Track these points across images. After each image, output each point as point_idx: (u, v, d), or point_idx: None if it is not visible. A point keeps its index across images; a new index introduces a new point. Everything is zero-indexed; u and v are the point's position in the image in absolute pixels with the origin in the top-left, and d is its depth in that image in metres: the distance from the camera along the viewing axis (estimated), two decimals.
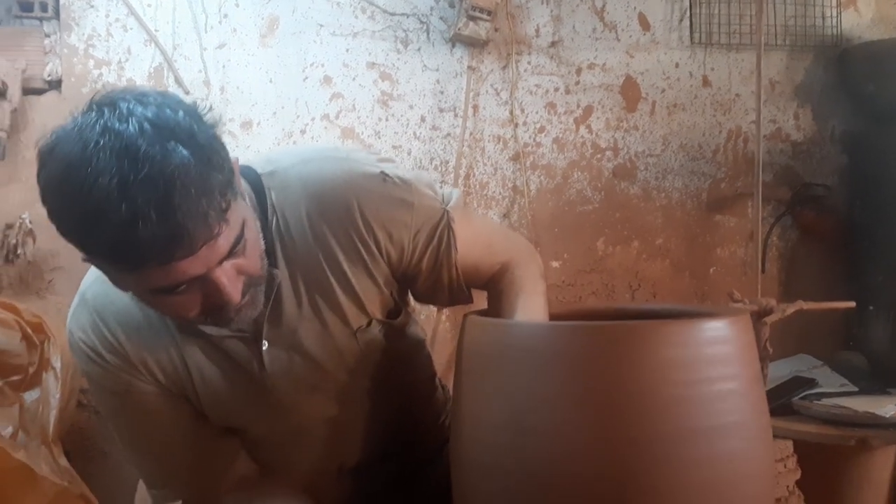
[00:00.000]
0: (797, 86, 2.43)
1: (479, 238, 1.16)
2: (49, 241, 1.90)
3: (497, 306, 1.14)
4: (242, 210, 0.92)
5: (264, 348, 1.06)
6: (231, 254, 0.89)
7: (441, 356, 2.05)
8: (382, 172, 1.06)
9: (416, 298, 1.21)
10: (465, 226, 1.12)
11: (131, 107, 0.83)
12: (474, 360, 1.02)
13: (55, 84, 1.94)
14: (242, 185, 0.99)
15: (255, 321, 1.03)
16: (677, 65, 2.36)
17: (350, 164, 1.07)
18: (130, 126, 0.81)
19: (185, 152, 0.82)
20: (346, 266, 1.05)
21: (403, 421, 1.22)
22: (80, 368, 1.10)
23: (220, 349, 1.06)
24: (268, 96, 2.08)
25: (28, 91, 1.90)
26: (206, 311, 0.93)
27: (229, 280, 0.90)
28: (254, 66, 2.07)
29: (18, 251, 1.85)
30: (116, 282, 0.93)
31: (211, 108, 0.90)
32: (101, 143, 0.80)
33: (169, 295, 0.89)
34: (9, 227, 1.86)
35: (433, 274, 1.12)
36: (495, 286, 1.16)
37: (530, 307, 1.11)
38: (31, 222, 1.85)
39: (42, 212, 1.93)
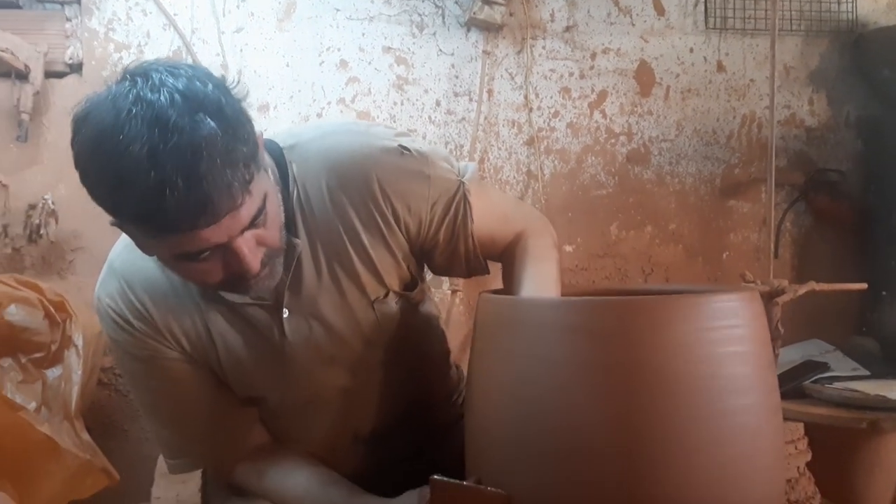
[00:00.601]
0: (812, 71, 2.43)
1: (494, 209, 1.19)
2: (71, 222, 1.94)
3: (510, 273, 1.17)
4: (265, 183, 0.95)
5: (285, 316, 1.09)
6: (252, 224, 0.92)
7: (455, 338, 2.07)
8: (400, 146, 1.09)
9: (435, 271, 1.23)
10: (480, 197, 1.15)
11: (163, 78, 0.86)
12: (488, 336, 1.03)
13: (76, 67, 1.97)
14: (266, 158, 1.01)
15: (276, 289, 1.06)
16: (692, 50, 2.36)
17: (369, 137, 1.10)
18: (162, 96, 0.84)
19: (212, 124, 0.85)
20: (364, 237, 1.08)
21: (416, 393, 1.25)
22: (106, 335, 1.13)
23: (242, 316, 1.09)
24: (284, 80, 2.10)
25: (50, 74, 1.93)
26: (226, 278, 0.96)
27: (250, 250, 0.93)
28: (271, 50, 2.09)
29: (41, 231, 1.88)
30: (143, 247, 0.97)
31: (238, 83, 0.92)
32: (134, 111, 0.83)
33: (192, 262, 0.92)
34: (31, 207, 1.89)
35: (450, 245, 1.15)
36: (509, 255, 1.18)
37: (541, 273, 1.14)
38: (53, 203, 1.88)
39: (64, 193, 1.98)
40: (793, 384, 1.91)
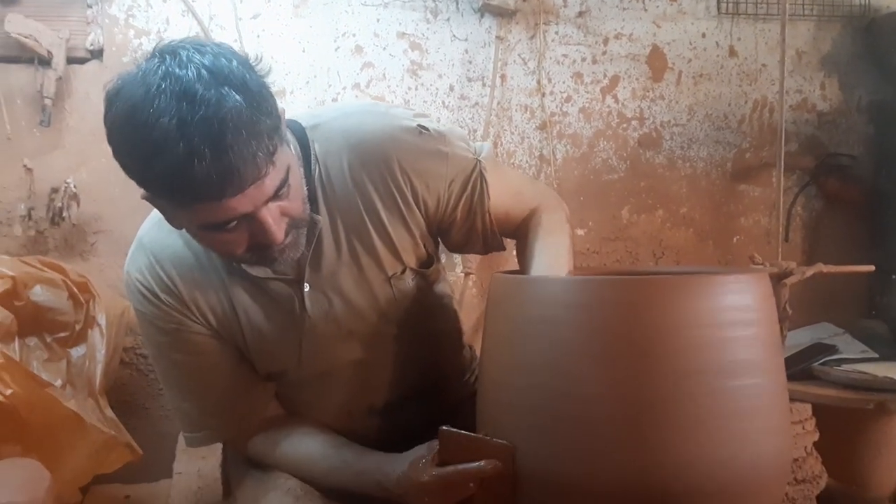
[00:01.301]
0: (824, 56, 2.43)
1: (509, 187, 1.23)
2: (92, 205, 1.98)
3: (524, 246, 1.20)
4: (288, 156, 0.99)
5: (305, 290, 1.13)
6: (276, 195, 0.96)
7: (468, 320, 2.10)
8: (419, 126, 1.13)
9: (452, 249, 1.27)
10: (496, 175, 1.19)
11: (190, 55, 0.90)
12: (500, 315, 1.05)
13: (97, 53, 2.00)
14: (289, 136, 1.06)
15: (297, 264, 1.10)
16: (704, 35, 2.37)
17: (389, 118, 1.14)
18: (189, 72, 0.88)
19: (237, 97, 0.88)
20: (383, 214, 1.12)
21: (429, 368, 1.28)
22: (133, 309, 1.17)
23: (265, 291, 1.13)
24: (300, 65, 2.13)
25: (71, 60, 1.96)
26: (251, 249, 1.00)
27: (274, 220, 0.97)
28: (287, 36, 2.12)
29: (63, 214, 1.92)
30: (173, 219, 1.01)
31: (261, 60, 0.96)
32: (163, 86, 0.87)
33: (219, 232, 0.96)
34: (54, 191, 1.92)
35: (467, 222, 1.19)
36: (523, 229, 1.22)
37: (554, 244, 1.18)
38: (75, 187, 1.92)
39: (85, 177, 2.03)
40: (802, 366, 1.93)
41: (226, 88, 0.88)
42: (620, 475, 0.91)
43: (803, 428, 1.74)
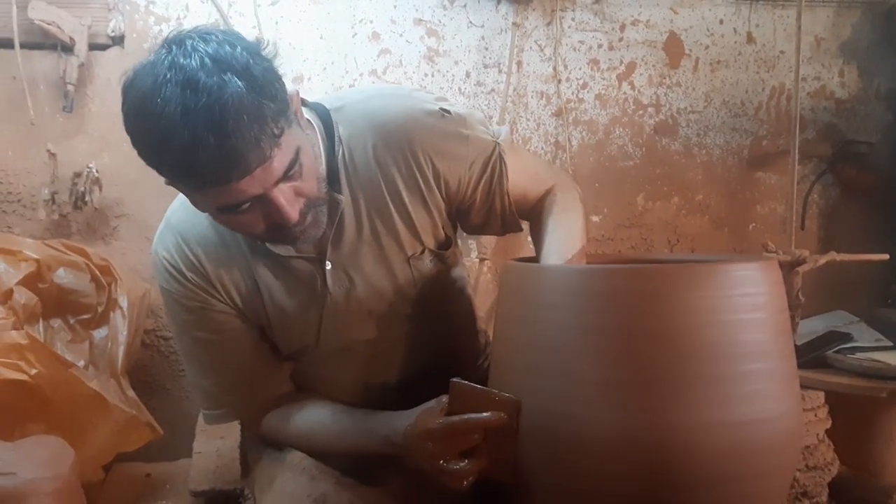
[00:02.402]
0: (843, 42, 2.41)
1: (527, 168, 1.26)
2: (114, 189, 2.01)
3: (538, 223, 1.23)
4: (297, 137, 1.01)
5: (327, 268, 1.16)
6: (287, 176, 0.99)
7: (482, 306, 2.11)
8: (441, 108, 1.16)
9: (470, 231, 1.30)
10: (513, 158, 1.22)
11: (195, 44, 0.93)
12: (511, 303, 1.07)
13: (118, 40, 2.01)
14: (313, 118, 1.10)
15: (319, 243, 1.14)
16: (721, 21, 2.36)
17: (412, 100, 1.18)
18: (193, 61, 0.91)
19: (239, 83, 0.91)
20: (405, 195, 1.15)
21: (444, 349, 1.31)
22: (159, 286, 1.21)
23: (288, 269, 1.16)
24: (318, 52, 2.14)
25: (93, 46, 1.98)
26: (269, 229, 1.03)
27: (287, 200, 1.00)
28: (305, 23, 2.13)
29: (86, 199, 1.94)
30: (193, 202, 1.04)
31: (269, 44, 0.99)
32: (169, 76, 0.90)
33: (234, 213, 1.00)
34: (77, 175, 1.95)
35: (487, 203, 1.22)
36: (538, 207, 1.25)
37: (567, 221, 1.20)
38: (97, 172, 1.94)
39: (107, 162, 2.06)
40: (815, 353, 1.93)
41: (228, 75, 0.91)
42: (628, 460, 0.92)
43: (816, 415, 1.74)
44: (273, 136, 0.94)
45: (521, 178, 1.23)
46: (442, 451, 1.01)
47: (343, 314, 1.19)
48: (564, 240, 1.18)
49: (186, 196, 1.04)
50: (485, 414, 0.99)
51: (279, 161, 0.96)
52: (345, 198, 1.13)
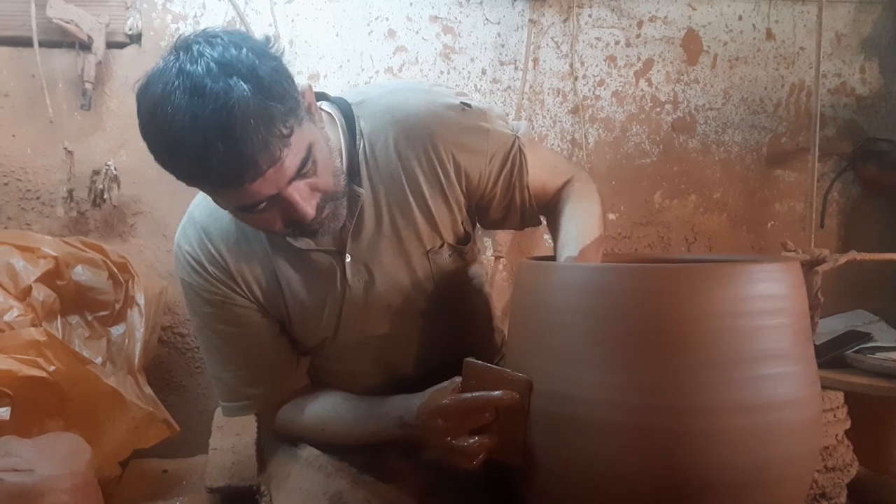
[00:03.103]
0: (864, 38, 2.38)
1: (545, 162, 1.27)
2: (132, 187, 2.02)
3: (555, 213, 1.23)
4: (310, 133, 1.01)
5: (347, 261, 1.17)
6: (300, 174, 1.00)
7: (498, 304, 2.10)
8: (462, 102, 1.17)
9: (489, 225, 1.30)
10: (533, 151, 1.24)
11: (201, 49, 0.94)
12: (526, 302, 1.06)
13: (136, 38, 2.02)
14: (335, 111, 1.12)
15: (339, 236, 1.15)
16: (740, 17, 2.34)
17: (433, 95, 1.19)
18: (199, 67, 0.92)
19: (245, 87, 0.92)
20: (425, 188, 1.16)
21: (460, 346, 1.29)
22: (181, 280, 1.22)
23: (308, 262, 1.18)
24: (334, 50, 2.14)
25: (111, 45, 1.99)
26: (288, 225, 1.04)
27: (302, 197, 1.01)
28: (321, 20, 2.13)
29: (104, 196, 1.95)
30: (214, 200, 1.06)
31: (276, 41, 1.00)
32: (176, 83, 0.92)
33: (251, 213, 1.01)
34: (95, 173, 1.96)
35: (507, 197, 1.23)
36: (555, 198, 1.26)
37: (584, 209, 1.21)
38: (115, 169, 1.95)
39: (125, 160, 2.07)
40: (835, 353, 1.91)
41: (234, 79, 0.92)
42: (644, 464, 0.91)
43: (835, 416, 1.72)
44: (282, 137, 0.95)
45: (541, 172, 1.24)
46: (453, 428, 1.01)
47: (362, 307, 1.20)
48: (582, 227, 1.18)
49: (207, 194, 1.06)
50: (496, 392, 0.99)
51: (291, 161, 0.97)
52: (365, 191, 1.14)
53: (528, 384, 0.98)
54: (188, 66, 0.92)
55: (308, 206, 1.02)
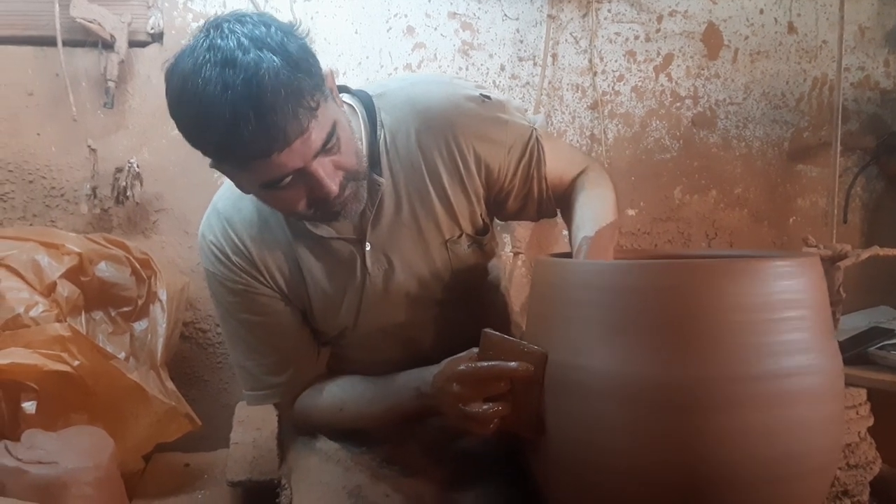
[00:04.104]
0: (888, 31, 2.35)
1: (562, 153, 1.29)
2: (154, 184, 2.04)
3: (569, 200, 1.25)
4: (333, 112, 1.03)
5: (367, 249, 1.19)
6: (325, 149, 1.02)
7: (516, 300, 2.11)
8: (482, 95, 1.20)
9: (506, 217, 1.32)
10: (550, 144, 1.26)
11: (232, 26, 0.96)
12: (543, 299, 1.06)
13: (157, 37, 2.04)
14: (356, 103, 1.14)
15: (360, 224, 1.17)
16: (762, 11, 2.31)
17: (453, 87, 1.21)
18: (230, 41, 0.94)
19: (275, 59, 0.94)
20: (445, 178, 1.18)
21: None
22: (205, 269, 1.24)
23: (329, 251, 1.20)
24: (353, 47, 2.15)
25: (133, 43, 2.01)
26: (312, 205, 1.06)
27: (327, 173, 1.02)
28: (340, 18, 2.14)
29: (127, 193, 1.97)
30: (238, 183, 1.08)
31: (301, 24, 1.02)
32: (208, 57, 0.94)
33: (276, 189, 1.02)
34: (118, 170, 1.98)
35: (525, 188, 1.25)
36: (570, 186, 1.28)
37: (597, 196, 1.23)
38: (138, 167, 1.97)
39: (148, 157, 2.08)
40: (858, 350, 1.89)
41: (264, 52, 0.94)
42: (663, 459, 0.91)
43: (857, 413, 1.71)
44: (310, 109, 0.97)
45: (557, 163, 1.26)
46: (468, 394, 1.03)
47: (381, 296, 1.22)
48: (598, 211, 1.19)
49: (231, 177, 1.08)
50: (512, 363, 1.00)
51: (317, 134, 0.99)
52: (385, 180, 1.16)
53: (543, 356, 0.99)
54: (219, 41, 0.94)
55: (332, 183, 1.03)
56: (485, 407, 1.02)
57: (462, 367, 1.04)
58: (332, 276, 1.21)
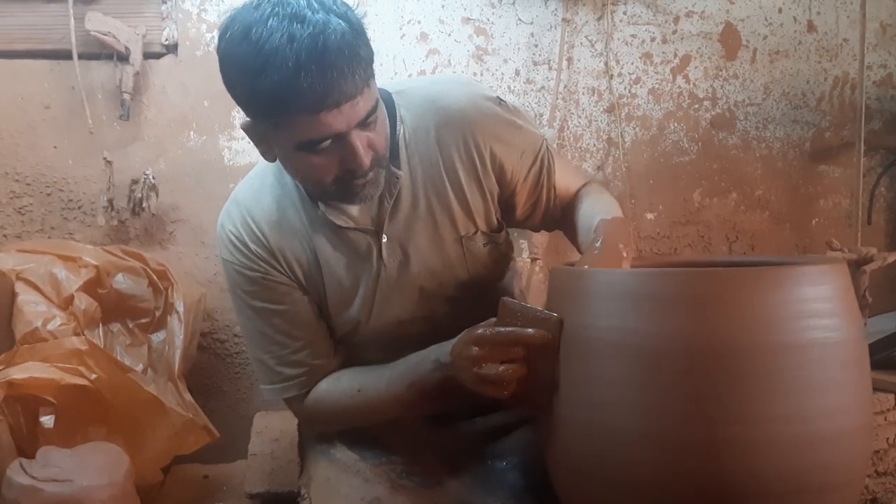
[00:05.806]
0: None
1: (568, 166, 1.35)
2: (170, 196, 2.05)
3: (573, 207, 1.28)
4: (376, 91, 1.07)
5: (384, 241, 1.21)
6: (366, 123, 1.05)
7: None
8: (499, 97, 1.24)
9: (512, 224, 1.33)
10: (557, 156, 1.31)
11: None
12: (560, 308, 1.03)
13: (172, 48, 2.04)
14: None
15: (378, 215, 1.19)
16: (780, 10, 2.28)
17: (472, 87, 1.26)
18: (299, 0, 0.99)
19: (342, 23, 0.99)
20: (461, 175, 1.21)
21: None
22: (222, 259, 1.26)
23: (346, 241, 1.21)
24: None
25: (148, 55, 2.01)
26: (338, 180, 1.08)
27: (362, 146, 1.06)
28: None
29: (143, 205, 1.98)
30: (272, 143, 1.10)
31: (358, 4, 1.06)
32: (277, 10, 0.98)
33: (311, 153, 1.05)
34: (134, 182, 1.99)
35: (534, 195, 1.28)
36: (576, 196, 1.31)
37: (603, 201, 1.26)
38: (154, 178, 1.98)
39: (163, 168, 2.09)
40: (884, 354, 1.86)
41: (331, 15, 0.99)
42: (686, 473, 0.89)
43: (885, 419, 1.69)
44: (364, 77, 1.01)
45: (566, 174, 1.31)
46: (485, 356, 1.03)
47: (395, 288, 1.23)
48: (608, 207, 1.24)
49: (264, 137, 1.10)
50: (529, 330, 1.01)
51: (364, 104, 1.02)
52: (403, 174, 1.18)
53: (558, 322, 1.00)
54: None
55: (366, 157, 1.06)
56: (501, 368, 1.02)
57: (480, 331, 1.05)
58: (348, 266, 1.22)
